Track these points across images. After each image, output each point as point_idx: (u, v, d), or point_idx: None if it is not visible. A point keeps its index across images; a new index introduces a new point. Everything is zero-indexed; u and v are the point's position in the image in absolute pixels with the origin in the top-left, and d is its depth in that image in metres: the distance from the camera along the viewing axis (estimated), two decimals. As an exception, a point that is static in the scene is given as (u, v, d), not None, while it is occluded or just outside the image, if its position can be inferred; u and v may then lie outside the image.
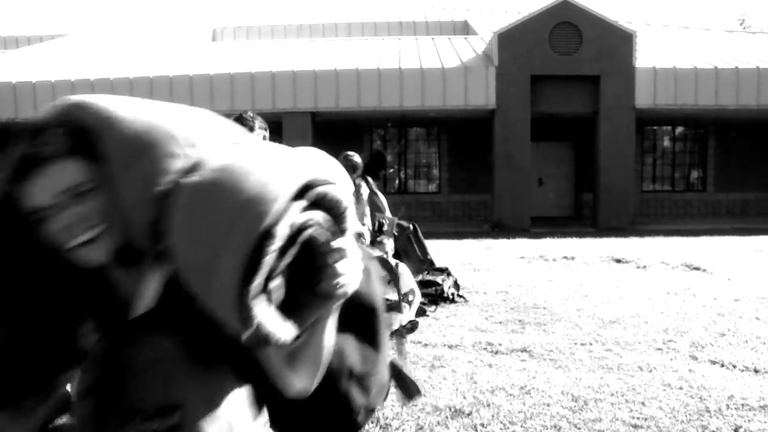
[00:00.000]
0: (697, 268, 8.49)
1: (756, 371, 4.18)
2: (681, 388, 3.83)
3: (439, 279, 6.58)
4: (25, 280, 0.84)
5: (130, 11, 29.19)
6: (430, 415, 3.44)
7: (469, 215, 18.03)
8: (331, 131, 16.52)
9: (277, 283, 0.74)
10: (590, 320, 5.60)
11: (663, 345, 4.80)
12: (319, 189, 0.77)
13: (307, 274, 0.78)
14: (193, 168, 0.77)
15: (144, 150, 0.78)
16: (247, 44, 20.55)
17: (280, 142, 2.92)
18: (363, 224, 5.36)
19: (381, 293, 1.08)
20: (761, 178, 18.07)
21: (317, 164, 0.80)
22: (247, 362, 0.83)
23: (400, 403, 3.53)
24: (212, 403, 0.79)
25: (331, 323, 0.86)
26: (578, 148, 18.04)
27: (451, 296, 6.41)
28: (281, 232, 0.72)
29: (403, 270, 6.11)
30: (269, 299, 0.74)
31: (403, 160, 18.57)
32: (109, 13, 28.90)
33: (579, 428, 3.26)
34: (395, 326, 5.34)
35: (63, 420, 0.97)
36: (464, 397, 3.70)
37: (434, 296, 6.33)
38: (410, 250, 6.77)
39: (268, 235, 0.70)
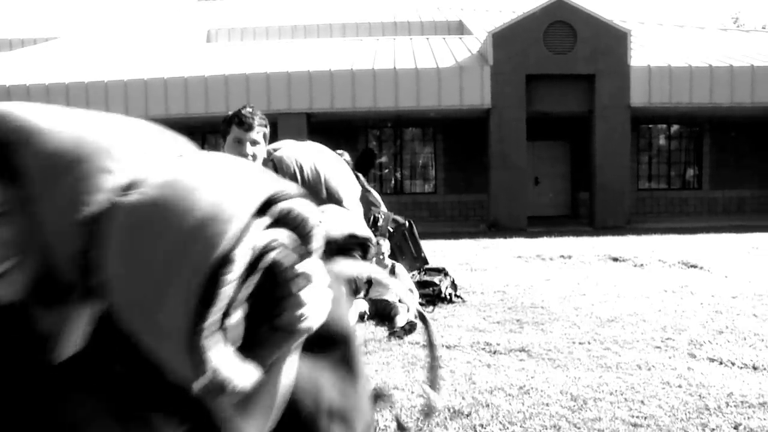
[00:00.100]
0: (694, 266, 8.50)
1: (755, 368, 4.18)
2: (680, 386, 3.82)
3: (436, 279, 6.57)
4: None
5: (124, 13, 29.14)
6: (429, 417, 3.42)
7: (465, 215, 18.03)
8: (327, 132, 16.49)
9: (235, 318, 0.62)
10: (588, 319, 5.60)
11: (661, 343, 4.79)
12: (283, 204, 0.65)
13: (268, 305, 0.66)
14: (130, 186, 0.64)
15: (71, 165, 0.65)
16: (241, 45, 20.52)
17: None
18: None
19: (352, 320, 0.97)
20: (756, 175, 18.12)
21: (277, 178, 0.69)
22: (193, 412, 0.70)
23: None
24: None
25: (291, 361, 0.73)
26: (574, 147, 18.07)
27: (448, 297, 6.40)
28: (241, 257, 0.60)
29: (400, 271, 6.10)
30: (226, 338, 0.61)
31: (399, 161, 18.57)
32: (103, 15, 28.84)
33: (578, 428, 3.25)
34: (394, 327, 5.33)
35: None
36: (463, 398, 3.69)
37: (432, 297, 6.31)
38: (405, 248, 6.77)
39: (225, 260, 0.58)
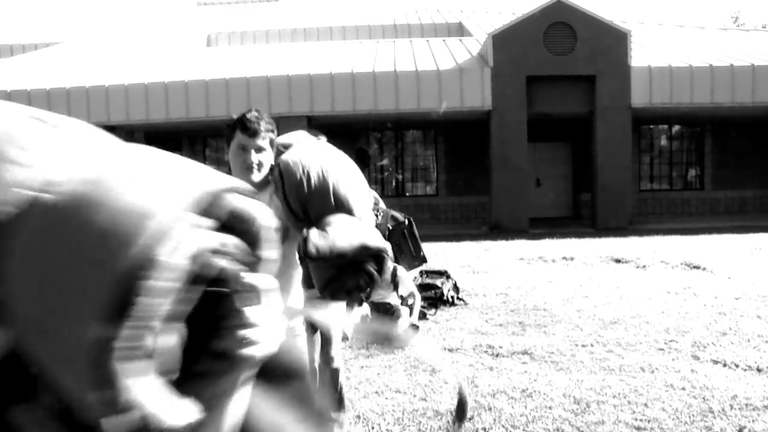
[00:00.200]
0: (697, 267, 8.47)
1: (759, 370, 4.15)
2: (684, 389, 3.80)
3: (438, 282, 6.55)
4: None
5: (124, 18, 29.18)
6: (431, 420, 3.41)
7: (467, 217, 18.01)
8: (328, 135, 16.22)
9: (167, 341, 0.50)
10: (591, 321, 5.58)
11: (664, 345, 4.77)
12: (227, 203, 0.53)
13: (208, 327, 0.53)
14: (45, 183, 0.53)
15: None
16: (241, 49, 20.54)
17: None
18: None
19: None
20: (758, 175, 18.08)
21: (221, 173, 0.56)
22: None
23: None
24: None
25: (240, 397, 0.59)
26: (575, 148, 18.05)
27: (450, 299, 6.38)
28: (172, 262, 0.49)
29: (402, 273, 6.08)
30: (155, 365, 0.49)
31: (400, 163, 18.56)
32: (103, 20, 28.87)
33: (582, 431, 3.23)
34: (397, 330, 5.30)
35: None
36: (466, 402, 3.67)
37: (434, 299, 6.30)
38: (404, 246, 6.74)
39: (146, 263, 0.47)
